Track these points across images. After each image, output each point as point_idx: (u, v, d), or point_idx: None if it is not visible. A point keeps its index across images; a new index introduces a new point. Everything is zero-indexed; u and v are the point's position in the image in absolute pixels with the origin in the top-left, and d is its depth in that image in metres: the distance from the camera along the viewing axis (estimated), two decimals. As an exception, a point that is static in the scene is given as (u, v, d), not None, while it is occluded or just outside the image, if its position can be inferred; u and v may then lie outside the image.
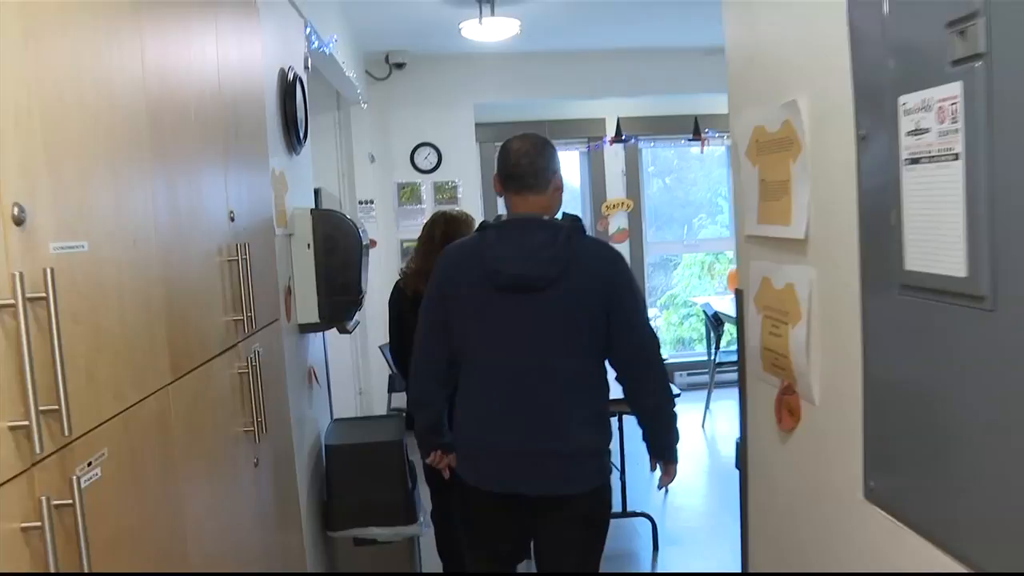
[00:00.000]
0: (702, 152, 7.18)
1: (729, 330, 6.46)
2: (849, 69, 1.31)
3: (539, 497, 2.18)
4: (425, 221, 3.33)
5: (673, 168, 7.98)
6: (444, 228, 3.16)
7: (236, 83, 2.13)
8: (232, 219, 1.99)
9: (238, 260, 1.94)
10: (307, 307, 2.87)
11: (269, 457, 2.20)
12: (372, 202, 6.17)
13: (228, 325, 1.90)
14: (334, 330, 3.09)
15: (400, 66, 6.09)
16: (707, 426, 6.02)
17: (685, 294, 7.74)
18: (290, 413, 2.57)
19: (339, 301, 2.91)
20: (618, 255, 2.22)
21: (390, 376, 5.56)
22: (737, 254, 1.95)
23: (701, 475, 5.12)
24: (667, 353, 2.06)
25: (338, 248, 2.90)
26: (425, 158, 6.32)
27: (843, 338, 1.42)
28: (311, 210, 2.91)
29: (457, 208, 4.03)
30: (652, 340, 2.20)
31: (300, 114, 2.98)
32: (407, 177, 6.33)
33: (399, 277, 3.31)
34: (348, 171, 6.08)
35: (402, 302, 3.22)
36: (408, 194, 6.33)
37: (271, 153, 2.57)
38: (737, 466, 3.20)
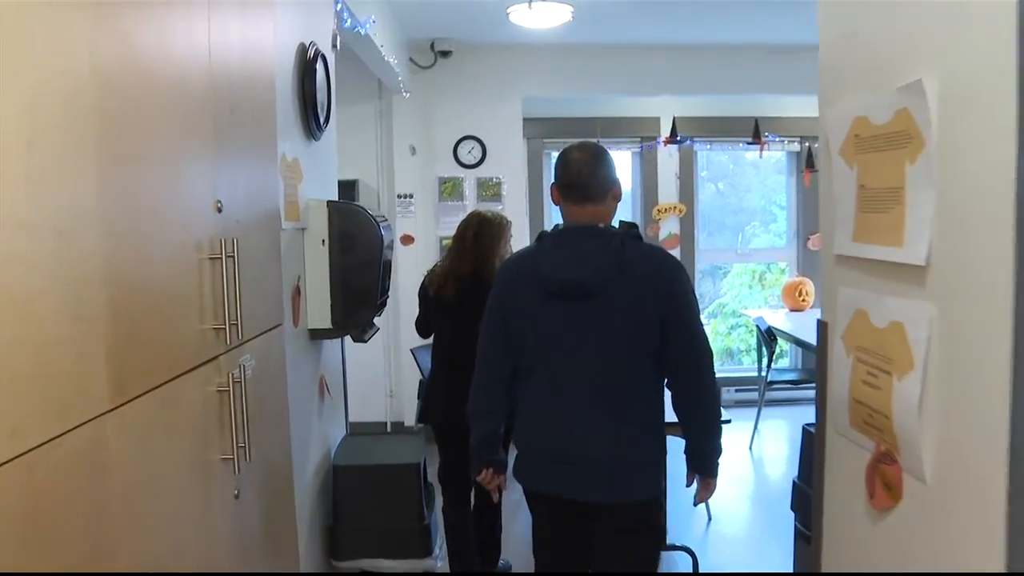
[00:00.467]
0: (760, 156, 6.76)
1: (781, 346, 6.07)
2: (1014, 33, 0.95)
3: (590, 504, 2.17)
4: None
5: (728, 173, 7.60)
6: (477, 230, 3.11)
7: (233, 53, 1.84)
8: (219, 210, 1.70)
9: (222, 257, 1.65)
10: (319, 311, 2.58)
11: (257, 485, 1.90)
12: (411, 196, 5.94)
13: (205, 335, 1.60)
14: (356, 330, 2.84)
15: (446, 54, 5.82)
16: (755, 448, 5.63)
17: (734, 303, 7.41)
18: (290, 432, 2.28)
19: (355, 306, 2.61)
20: (675, 263, 2.20)
21: (420, 382, 5.29)
22: (821, 275, 1.60)
23: (746, 502, 4.76)
24: (715, 365, 2.01)
25: (356, 245, 2.61)
26: (469, 152, 6.02)
27: (976, 399, 1.06)
28: (328, 202, 2.61)
29: (494, 209, 3.78)
30: (706, 350, 2.19)
31: (321, 95, 2.68)
32: (449, 171, 6.04)
33: (426, 273, 3.27)
34: (388, 163, 5.92)
35: (426, 299, 3.21)
36: (450, 189, 6.04)
37: (282, 137, 2.27)
38: (793, 508, 2.85)
